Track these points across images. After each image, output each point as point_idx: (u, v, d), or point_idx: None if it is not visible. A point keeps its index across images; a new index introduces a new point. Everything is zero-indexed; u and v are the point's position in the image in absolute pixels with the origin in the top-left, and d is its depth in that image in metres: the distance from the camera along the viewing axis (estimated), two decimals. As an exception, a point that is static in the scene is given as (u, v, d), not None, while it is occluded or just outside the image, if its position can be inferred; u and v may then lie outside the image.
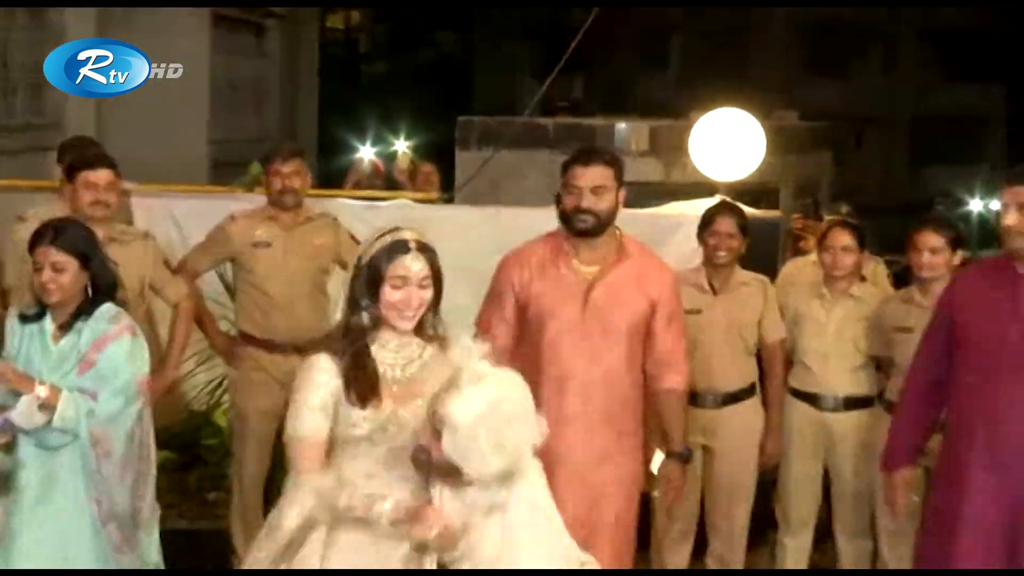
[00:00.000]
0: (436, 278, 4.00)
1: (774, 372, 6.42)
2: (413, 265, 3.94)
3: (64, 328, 5.03)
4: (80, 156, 6.43)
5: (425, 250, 3.99)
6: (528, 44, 29.13)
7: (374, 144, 12.04)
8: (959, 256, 6.13)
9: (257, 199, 7.25)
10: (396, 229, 4.02)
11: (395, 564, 3.91)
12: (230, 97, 14.18)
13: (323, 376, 3.93)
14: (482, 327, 5.29)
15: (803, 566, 6.54)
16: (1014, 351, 4.67)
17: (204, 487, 7.62)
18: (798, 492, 6.48)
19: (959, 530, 4.67)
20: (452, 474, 3.78)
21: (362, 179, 11.26)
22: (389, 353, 4.01)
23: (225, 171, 12.71)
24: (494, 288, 5.40)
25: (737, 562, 6.52)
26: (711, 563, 6.53)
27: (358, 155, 11.91)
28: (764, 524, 6.70)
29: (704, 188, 8.81)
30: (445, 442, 3.73)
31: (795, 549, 6.51)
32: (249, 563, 4.06)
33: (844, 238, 6.37)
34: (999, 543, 4.62)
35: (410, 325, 4.00)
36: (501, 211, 8.65)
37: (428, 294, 3.98)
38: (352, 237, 6.65)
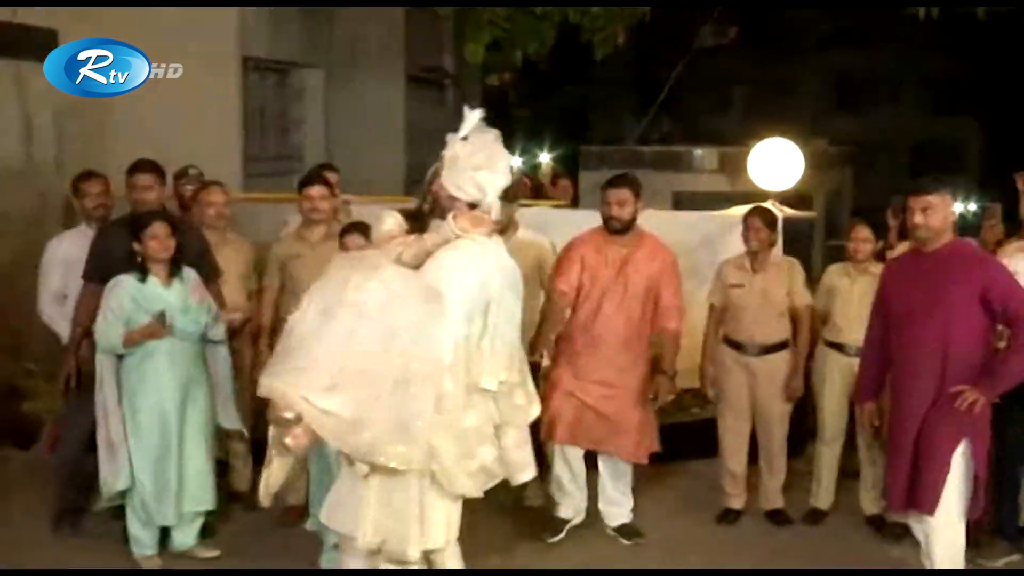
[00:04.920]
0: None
1: (801, 329, 6.22)
2: None
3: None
4: (306, 177, 6.32)
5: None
6: (630, 93, 28.99)
7: (523, 163, 11.98)
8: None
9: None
10: None
11: None
12: (419, 133, 14.28)
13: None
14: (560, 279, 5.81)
15: (835, 468, 6.35)
16: (919, 307, 4.87)
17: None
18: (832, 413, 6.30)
19: (902, 409, 4.96)
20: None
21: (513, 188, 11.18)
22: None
23: (414, 186, 12.80)
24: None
25: (779, 467, 6.33)
26: (763, 467, 6.35)
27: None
28: (803, 439, 6.53)
29: (759, 196, 8.66)
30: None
31: (829, 455, 6.33)
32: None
33: (864, 232, 6.23)
34: (917, 420, 4.87)
35: None
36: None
37: None
38: None
